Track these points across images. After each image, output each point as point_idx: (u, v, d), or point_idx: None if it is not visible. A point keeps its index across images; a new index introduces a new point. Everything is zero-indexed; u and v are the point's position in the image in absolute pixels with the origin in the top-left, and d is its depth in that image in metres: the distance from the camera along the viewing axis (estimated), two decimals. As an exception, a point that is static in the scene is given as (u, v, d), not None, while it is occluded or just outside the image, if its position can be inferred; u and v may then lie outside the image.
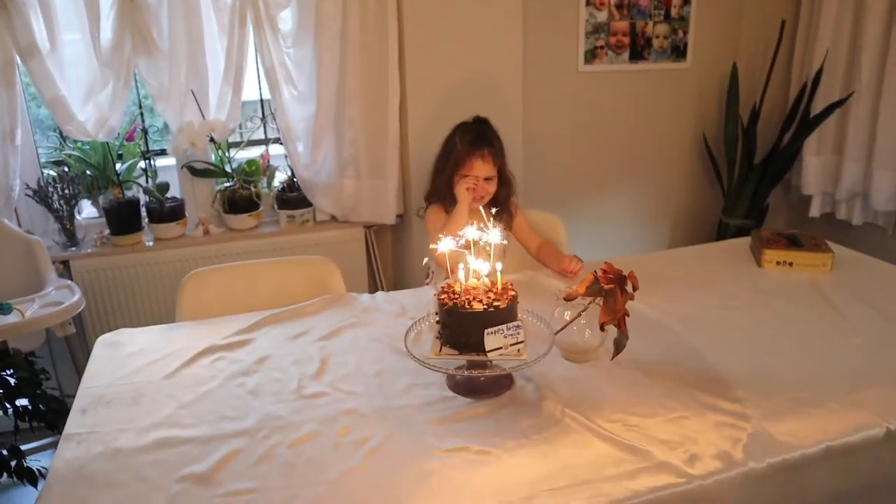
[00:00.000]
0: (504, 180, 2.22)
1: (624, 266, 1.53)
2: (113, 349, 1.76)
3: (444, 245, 1.45)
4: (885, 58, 2.89)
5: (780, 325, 1.79)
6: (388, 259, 3.14)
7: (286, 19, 2.61)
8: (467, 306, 1.40)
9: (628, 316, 1.52)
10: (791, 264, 2.16)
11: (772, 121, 3.43)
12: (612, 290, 1.50)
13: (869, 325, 1.77)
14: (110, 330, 1.88)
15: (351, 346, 1.72)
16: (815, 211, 3.33)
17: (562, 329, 1.54)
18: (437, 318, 1.48)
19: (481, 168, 2.13)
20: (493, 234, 1.47)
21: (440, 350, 1.45)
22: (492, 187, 2.17)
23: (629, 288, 1.52)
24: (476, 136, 2.16)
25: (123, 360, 1.69)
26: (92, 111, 2.50)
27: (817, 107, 3.14)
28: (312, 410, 1.44)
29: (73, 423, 1.41)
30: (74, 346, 2.38)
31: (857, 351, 1.64)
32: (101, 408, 1.49)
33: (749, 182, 3.32)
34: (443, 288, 1.49)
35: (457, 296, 1.44)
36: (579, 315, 1.54)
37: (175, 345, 1.75)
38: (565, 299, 1.51)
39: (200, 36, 2.53)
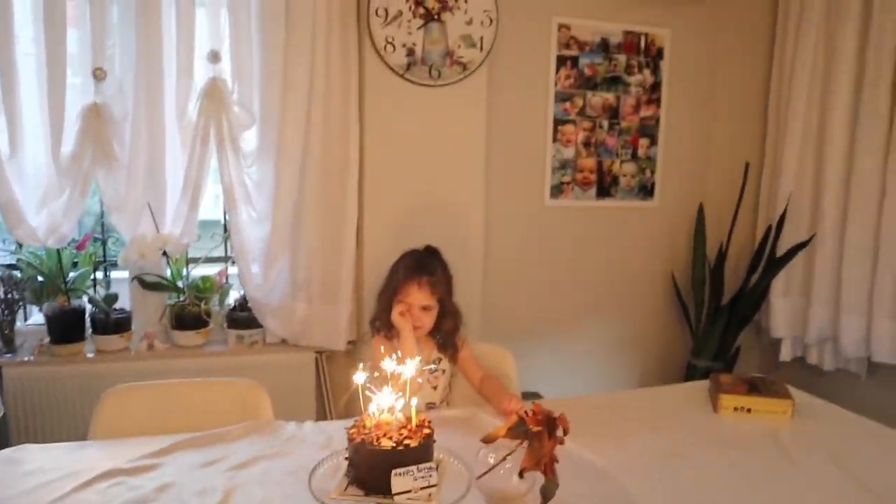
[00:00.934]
0: (448, 313, 2.16)
1: (575, 406, 1.45)
2: (8, 467, 1.63)
3: (358, 377, 1.36)
4: (847, 202, 2.91)
5: (731, 477, 1.66)
6: (340, 386, 3.01)
7: (248, 139, 2.64)
8: (375, 443, 1.30)
9: (557, 462, 1.41)
10: (749, 410, 2.06)
11: (740, 261, 3.41)
12: (538, 433, 1.39)
13: (826, 480, 1.65)
14: (36, 442, 1.76)
15: (262, 478, 1.59)
16: (785, 355, 3.24)
17: (484, 474, 1.42)
18: (346, 455, 1.37)
19: (417, 296, 2.07)
20: (408, 367, 1.38)
21: (346, 489, 1.33)
22: (428, 318, 2.11)
23: (559, 431, 1.42)
24: (416, 263, 2.12)
25: (15, 481, 1.56)
26: (45, 217, 2.47)
27: (783, 248, 3.13)
28: (200, 552, 1.30)
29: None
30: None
31: (808, 507, 1.52)
32: (-31, 538, 1.35)
33: (717, 323, 3.26)
34: (355, 422, 1.38)
35: (367, 431, 1.34)
36: (504, 459, 1.42)
37: (77, 465, 1.62)
38: (483, 441, 1.40)
39: (162, 150, 2.54)
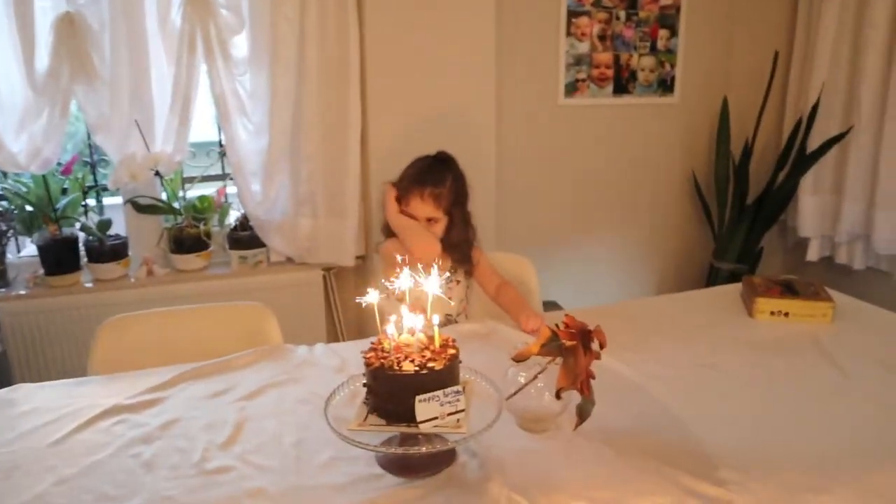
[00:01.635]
0: (460, 224, 1.99)
1: (599, 315, 1.31)
2: (4, 408, 1.52)
3: (371, 296, 1.22)
4: (887, 90, 2.72)
5: (775, 387, 1.54)
6: (350, 306, 2.90)
7: (239, 45, 2.43)
8: (396, 367, 1.17)
9: (593, 378, 1.29)
10: (787, 314, 1.94)
11: (765, 158, 3.24)
12: (573, 348, 1.27)
13: (879, 387, 1.53)
14: (39, 378, 1.66)
15: (274, 408, 1.48)
16: (812, 255, 3.11)
17: (514, 394, 1.31)
18: (364, 381, 1.25)
19: (419, 207, 1.92)
20: (431, 283, 1.24)
21: (365, 419, 1.21)
22: (437, 229, 1.95)
23: (594, 346, 1.29)
24: (419, 173, 1.95)
25: (11, 422, 1.45)
26: (25, 141, 2.31)
27: (814, 143, 2.94)
28: (212, 490, 1.20)
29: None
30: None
31: (866, 421, 1.39)
32: (-35, 484, 1.24)
33: (741, 224, 3.11)
34: (371, 344, 1.26)
35: (385, 354, 1.21)
36: (535, 377, 1.31)
37: (76, 403, 1.51)
38: (514, 360, 1.27)
39: (146, 63, 2.35)
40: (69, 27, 2.23)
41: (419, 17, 2.58)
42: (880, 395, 1.49)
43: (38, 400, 1.54)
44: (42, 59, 2.24)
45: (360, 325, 2.92)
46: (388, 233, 2.03)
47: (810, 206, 3.03)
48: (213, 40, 2.36)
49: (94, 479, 1.24)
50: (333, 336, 2.84)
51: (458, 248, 2.00)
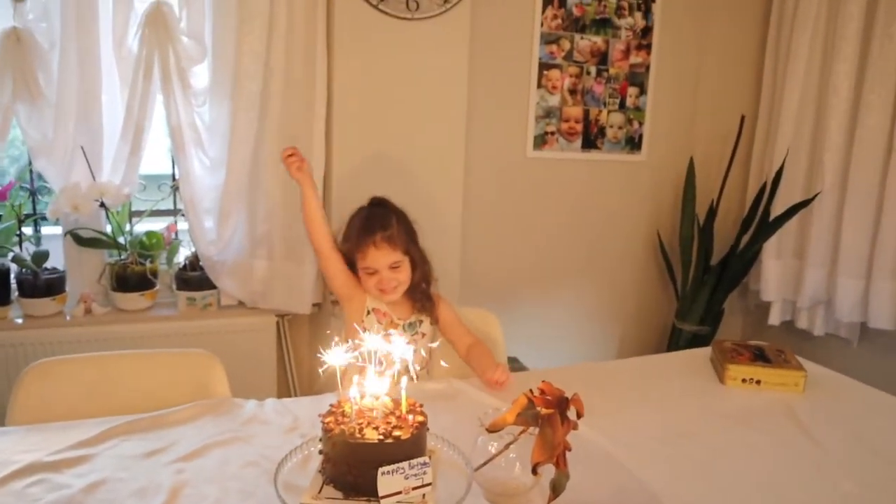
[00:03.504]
0: (420, 263, 1.91)
1: (567, 378, 1.22)
2: None
3: (335, 357, 1.11)
4: (849, 157, 2.74)
5: (753, 461, 1.46)
6: (304, 355, 2.75)
7: (199, 75, 2.32)
8: (358, 435, 1.05)
9: (570, 450, 1.18)
10: (759, 382, 1.87)
11: (729, 219, 3.24)
12: (550, 417, 1.16)
13: (858, 463, 1.46)
14: None
15: (216, 471, 1.33)
16: (774, 319, 3.09)
17: (483, 465, 1.19)
18: (321, 448, 1.12)
19: (377, 257, 1.82)
20: (398, 345, 1.13)
21: (320, 490, 1.08)
22: (403, 274, 1.86)
23: (572, 414, 1.20)
24: (364, 222, 1.87)
25: (-87, 478, 1.27)
26: (-42, 163, 2.14)
27: (778, 207, 2.94)
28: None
29: None
30: None
31: (847, 499, 1.32)
32: None
33: (705, 285, 3.08)
34: (330, 406, 1.14)
35: (346, 419, 1.09)
36: (507, 447, 1.19)
37: (-9, 458, 1.34)
38: (488, 430, 1.17)
39: (97, 86, 2.22)
40: (15, 44, 2.10)
41: (390, 59, 2.51)
42: (859, 473, 1.42)
43: (-56, 453, 1.37)
44: (-19, 75, 2.10)
45: (314, 376, 2.76)
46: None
47: (773, 270, 3.02)
48: (172, 68, 2.25)
49: (2, 553, 1.08)
50: (285, 387, 2.68)
51: (419, 288, 1.92)
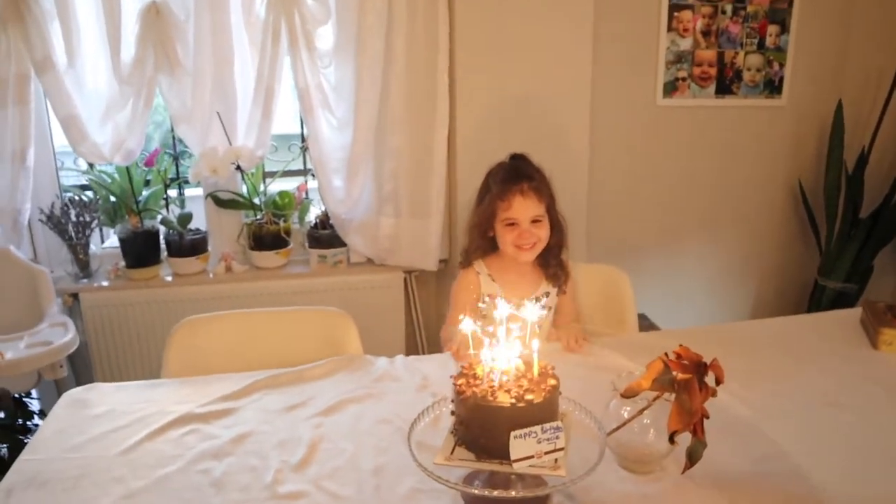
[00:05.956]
0: (557, 226, 1.82)
1: (702, 339, 1.16)
2: (76, 409, 1.48)
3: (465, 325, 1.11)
4: None
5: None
6: (431, 311, 2.79)
7: (324, 37, 2.35)
8: (490, 398, 1.05)
9: (707, 418, 1.13)
10: (917, 348, 1.72)
11: (883, 169, 2.97)
12: (687, 383, 1.12)
13: None
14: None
15: (351, 427, 1.38)
16: (933, 277, 2.83)
17: (616, 430, 1.17)
18: (453, 409, 1.13)
19: (522, 207, 1.74)
20: (530, 309, 1.11)
21: (452, 451, 1.09)
22: (543, 231, 1.77)
23: (710, 380, 1.14)
24: (509, 173, 1.79)
25: (82, 425, 1.40)
26: (109, 132, 2.30)
27: (941, 154, 2.67)
28: (283, 518, 1.11)
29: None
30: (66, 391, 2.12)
31: None
32: (32, 489, 1.20)
33: (853, 240, 2.85)
34: (462, 369, 1.14)
35: (478, 382, 1.09)
36: (641, 412, 1.16)
37: (149, 408, 1.46)
38: (623, 396, 1.13)
39: (229, 54, 2.30)
40: (154, 17, 2.21)
41: (513, 7, 2.43)
42: None
43: (111, 402, 1.50)
44: (128, 49, 2.23)
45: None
46: (465, 261, 1.90)
47: (935, 224, 2.76)
48: (298, 31, 2.29)
49: (162, 496, 1.17)
50: (412, 342, 2.74)
51: (553, 253, 1.84)
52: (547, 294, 1.87)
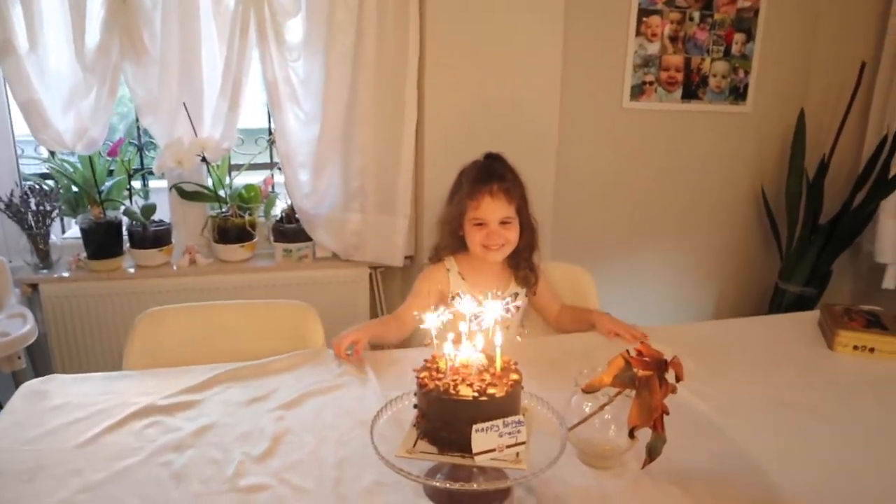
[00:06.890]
0: (527, 228, 1.82)
1: (663, 338, 1.18)
2: (34, 401, 1.45)
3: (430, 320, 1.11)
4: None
5: (864, 433, 1.38)
6: (396, 307, 2.75)
7: (294, 30, 2.33)
8: (452, 391, 1.06)
9: (667, 414, 1.16)
10: (872, 350, 1.76)
11: (842, 177, 3.04)
12: (648, 380, 1.14)
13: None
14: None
15: (314, 420, 1.38)
16: (889, 282, 2.91)
17: (577, 424, 1.18)
18: (415, 402, 1.14)
19: (490, 208, 1.73)
20: (492, 306, 1.12)
21: (414, 444, 1.10)
22: (512, 232, 1.77)
23: (671, 377, 1.16)
24: (481, 172, 1.78)
25: (40, 417, 1.38)
26: (72, 120, 2.25)
27: (897, 164, 2.74)
28: (243, 511, 1.10)
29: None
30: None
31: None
32: (-15, 482, 1.17)
33: (812, 245, 2.92)
34: (425, 362, 1.14)
35: (440, 375, 1.09)
36: (602, 408, 1.18)
37: (109, 400, 1.44)
38: (584, 391, 1.15)
39: (197, 43, 2.26)
40: (121, 3, 2.16)
41: (483, 6, 2.44)
42: None
43: (70, 394, 1.47)
44: (93, 35, 2.18)
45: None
46: (434, 257, 1.90)
47: (891, 231, 2.83)
48: (267, 23, 2.27)
49: (121, 489, 1.16)
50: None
51: (522, 256, 1.85)
52: (515, 295, 1.87)
